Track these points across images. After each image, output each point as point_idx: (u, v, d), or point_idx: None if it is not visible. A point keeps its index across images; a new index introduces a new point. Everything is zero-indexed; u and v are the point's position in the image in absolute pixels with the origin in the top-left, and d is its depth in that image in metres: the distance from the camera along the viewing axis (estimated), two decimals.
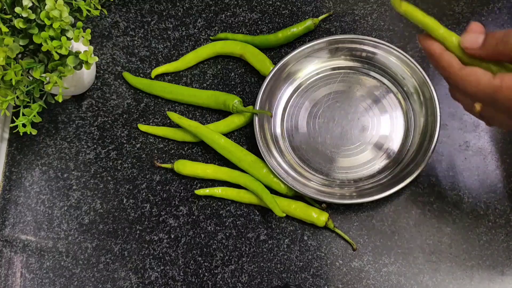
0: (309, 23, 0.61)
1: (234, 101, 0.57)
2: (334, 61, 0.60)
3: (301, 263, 0.53)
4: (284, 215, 0.51)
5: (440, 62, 0.41)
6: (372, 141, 0.56)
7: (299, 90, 0.60)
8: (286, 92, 0.60)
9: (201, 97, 0.60)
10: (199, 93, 0.60)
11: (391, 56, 0.57)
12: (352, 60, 0.59)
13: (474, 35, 0.39)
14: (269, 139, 0.57)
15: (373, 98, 0.58)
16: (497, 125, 0.43)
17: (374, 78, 0.59)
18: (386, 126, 0.57)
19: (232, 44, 0.62)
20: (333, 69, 0.60)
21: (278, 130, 0.58)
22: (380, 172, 0.55)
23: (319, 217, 0.53)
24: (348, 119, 0.57)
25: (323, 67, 0.60)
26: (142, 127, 0.60)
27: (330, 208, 0.55)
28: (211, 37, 0.64)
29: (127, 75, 0.63)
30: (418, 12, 0.42)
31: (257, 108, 0.56)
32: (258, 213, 0.56)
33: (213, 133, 0.57)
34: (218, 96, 0.59)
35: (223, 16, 0.65)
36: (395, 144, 0.56)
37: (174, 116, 0.58)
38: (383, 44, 0.57)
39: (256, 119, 0.56)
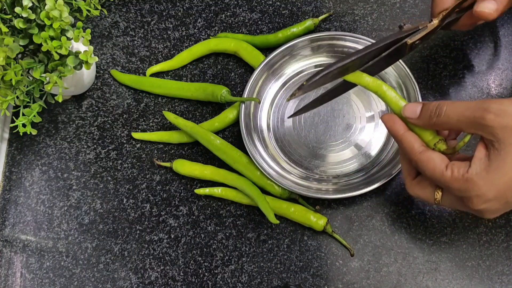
0: (309, 23, 0.61)
1: (222, 91, 0.57)
2: (317, 58, 0.60)
3: (301, 263, 0.53)
4: (278, 222, 0.51)
5: (401, 144, 0.43)
6: (354, 140, 0.57)
7: (287, 85, 0.60)
8: (273, 86, 0.60)
9: (189, 89, 0.60)
10: (187, 86, 0.60)
11: None
12: (334, 57, 0.60)
13: (414, 106, 0.42)
14: (253, 128, 0.58)
15: (358, 94, 0.58)
16: (448, 207, 0.46)
17: None
18: (370, 128, 0.57)
19: (226, 41, 0.62)
20: (316, 66, 0.60)
21: (264, 121, 0.59)
22: (358, 170, 0.55)
23: (318, 221, 0.53)
24: (334, 115, 0.58)
25: (307, 64, 0.60)
26: (136, 135, 0.60)
27: (329, 208, 0.55)
28: (211, 37, 0.64)
29: (115, 73, 0.63)
30: (365, 77, 0.45)
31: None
32: (258, 213, 0.56)
33: (209, 134, 0.57)
34: (206, 87, 0.59)
35: (223, 16, 0.65)
36: (376, 144, 0.56)
37: (170, 116, 0.58)
38: (363, 39, 0.57)
39: (242, 108, 0.56)
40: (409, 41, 0.45)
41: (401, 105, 0.43)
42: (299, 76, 0.60)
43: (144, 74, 0.64)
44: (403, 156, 0.45)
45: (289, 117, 0.54)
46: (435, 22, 0.47)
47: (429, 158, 0.41)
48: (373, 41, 0.56)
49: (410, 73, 0.54)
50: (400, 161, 0.47)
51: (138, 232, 0.57)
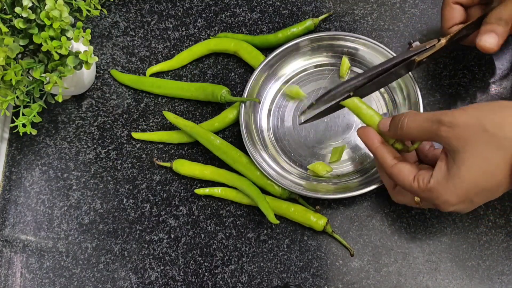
0: (309, 23, 0.61)
1: (222, 91, 0.57)
2: (317, 58, 0.60)
3: (301, 263, 0.53)
4: (278, 222, 0.51)
5: (375, 157, 0.46)
6: (354, 140, 0.57)
7: (287, 85, 0.60)
8: (273, 86, 0.60)
9: (189, 89, 0.60)
10: (187, 86, 0.60)
11: (373, 51, 0.57)
12: (335, 57, 0.60)
13: (386, 120, 0.46)
14: (253, 128, 0.57)
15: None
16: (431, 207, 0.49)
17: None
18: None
19: (226, 41, 0.62)
20: (316, 66, 0.60)
21: (264, 121, 0.59)
22: (358, 170, 0.55)
23: (318, 221, 0.53)
24: (334, 116, 0.58)
25: (307, 64, 0.60)
26: (136, 135, 0.60)
27: (329, 208, 0.55)
28: (211, 37, 0.64)
29: (115, 73, 0.63)
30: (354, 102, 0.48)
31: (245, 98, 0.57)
32: (258, 213, 0.56)
33: (208, 134, 0.57)
34: (206, 87, 0.59)
35: (223, 16, 0.65)
36: None
37: (170, 116, 0.58)
38: (363, 39, 0.57)
39: (242, 108, 0.56)
40: (417, 59, 0.48)
41: (377, 121, 0.46)
42: (299, 76, 0.60)
43: (144, 74, 0.64)
44: (379, 168, 0.48)
45: (300, 124, 0.55)
46: (443, 41, 0.49)
47: (399, 171, 0.44)
48: (374, 41, 0.57)
49: (410, 73, 0.54)
50: (379, 173, 0.50)
51: (138, 232, 0.57)
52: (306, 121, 0.52)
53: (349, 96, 0.48)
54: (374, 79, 0.48)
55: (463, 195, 0.40)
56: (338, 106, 0.50)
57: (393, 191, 0.48)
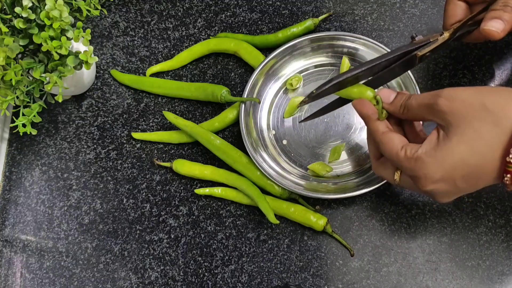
0: (309, 23, 0.61)
1: (222, 91, 0.57)
2: (317, 58, 0.60)
3: (301, 263, 0.53)
4: (278, 222, 0.51)
5: (368, 124, 0.46)
6: (354, 140, 0.57)
7: (286, 85, 0.60)
8: (273, 86, 0.60)
9: (189, 89, 0.60)
10: (187, 86, 0.60)
11: (373, 51, 0.57)
12: (335, 57, 0.60)
13: (389, 91, 0.45)
14: (253, 128, 0.58)
15: None
16: (407, 188, 0.48)
17: None
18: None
19: (226, 41, 0.62)
20: (316, 66, 0.60)
21: (264, 121, 0.59)
22: (358, 171, 0.55)
23: (318, 221, 0.53)
24: (334, 115, 0.58)
25: (307, 64, 0.60)
26: (136, 135, 0.60)
27: (329, 208, 0.55)
28: (211, 37, 0.64)
29: (115, 73, 0.63)
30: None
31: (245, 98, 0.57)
32: (258, 213, 0.56)
33: (208, 134, 0.57)
34: (206, 87, 0.59)
35: (223, 16, 0.65)
36: None
37: (170, 116, 0.58)
38: (363, 39, 0.57)
39: (242, 108, 0.56)
40: (419, 53, 0.47)
41: (370, 95, 0.46)
42: (302, 75, 0.60)
43: (144, 74, 0.64)
44: (369, 137, 0.48)
45: (300, 122, 0.54)
46: (446, 35, 0.48)
47: (389, 139, 0.43)
48: (374, 41, 0.57)
49: (410, 73, 0.54)
50: (367, 142, 0.49)
51: (138, 232, 0.57)
52: (306, 119, 0.52)
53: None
54: (376, 74, 0.47)
55: (448, 172, 0.39)
56: (337, 104, 0.49)
57: (376, 162, 0.47)
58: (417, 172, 0.41)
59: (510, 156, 0.37)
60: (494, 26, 0.46)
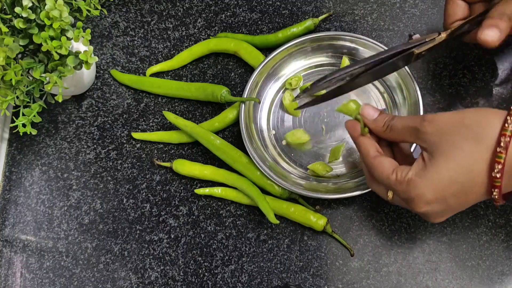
0: (309, 23, 0.61)
1: (222, 91, 0.57)
2: (317, 58, 0.60)
3: (301, 263, 0.53)
4: (278, 222, 0.51)
5: (359, 147, 0.46)
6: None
7: (286, 85, 0.60)
8: (273, 86, 0.60)
9: (189, 89, 0.60)
10: (187, 86, 0.60)
11: (373, 51, 0.57)
12: (335, 57, 0.60)
13: (372, 109, 0.46)
14: (253, 128, 0.57)
15: (358, 94, 0.58)
16: (401, 206, 0.48)
17: None
18: None
19: (226, 41, 0.62)
20: (316, 66, 0.60)
21: (264, 121, 0.59)
22: (358, 171, 0.55)
23: (318, 221, 0.53)
24: (334, 115, 0.58)
25: (307, 64, 0.60)
26: (136, 135, 0.60)
27: (329, 208, 0.55)
28: (211, 37, 0.64)
29: (115, 73, 0.63)
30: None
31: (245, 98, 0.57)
32: (258, 213, 0.56)
33: (208, 134, 0.57)
34: (206, 87, 0.59)
35: (223, 16, 0.65)
36: None
37: (170, 116, 0.58)
38: (363, 39, 0.57)
39: (242, 108, 0.56)
40: (416, 51, 0.47)
41: (352, 106, 0.46)
42: (301, 75, 0.60)
43: (144, 74, 0.64)
44: (361, 158, 0.48)
45: (296, 109, 0.54)
46: (443, 35, 0.49)
47: (379, 162, 0.44)
48: (374, 41, 0.57)
49: (410, 73, 0.54)
50: (360, 161, 0.50)
51: (138, 232, 0.57)
52: (302, 106, 0.52)
53: (346, 81, 0.48)
54: (372, 69, 0.48)
55: (438, 191, 0.40)
56: (335, 93, 0.50)
57: (370, 178, 0.48)
58: (409, 194, 0.41)
59: (495, 171, 0.38)
60: (490, 35, 0.46)
